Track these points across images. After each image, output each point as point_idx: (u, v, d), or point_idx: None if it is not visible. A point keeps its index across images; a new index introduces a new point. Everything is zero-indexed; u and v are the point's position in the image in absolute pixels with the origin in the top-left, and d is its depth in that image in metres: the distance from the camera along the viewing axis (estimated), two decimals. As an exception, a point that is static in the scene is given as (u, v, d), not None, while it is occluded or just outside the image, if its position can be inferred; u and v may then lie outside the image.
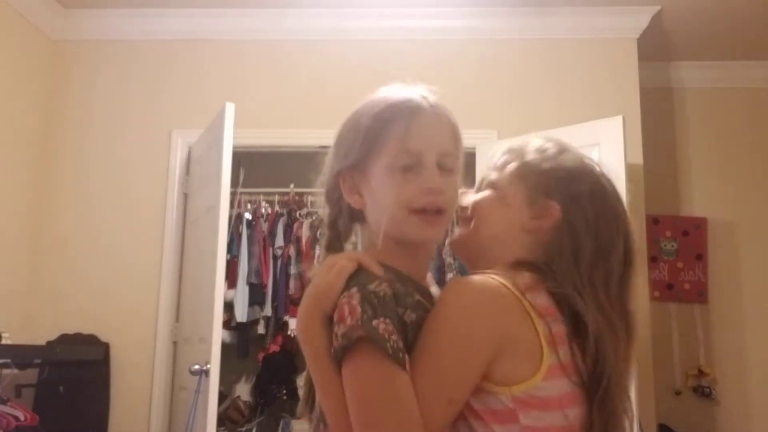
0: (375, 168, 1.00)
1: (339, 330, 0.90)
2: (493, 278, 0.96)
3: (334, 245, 1.06)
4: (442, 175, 1.00)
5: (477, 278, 0.96)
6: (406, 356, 0.90)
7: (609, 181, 1.08)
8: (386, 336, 0.88)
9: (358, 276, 0.95)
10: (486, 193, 1.10)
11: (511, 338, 0.92)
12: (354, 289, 0.92)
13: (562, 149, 1.09)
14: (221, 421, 3.68)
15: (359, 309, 0.90)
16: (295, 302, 3.90)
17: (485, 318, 0.92)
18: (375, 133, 1.01)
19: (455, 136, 1.05)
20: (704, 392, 3.75)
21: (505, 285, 0.94)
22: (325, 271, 0.97)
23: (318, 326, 0.94)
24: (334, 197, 1.07)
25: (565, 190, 1.04)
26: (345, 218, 1.07)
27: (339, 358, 0.90)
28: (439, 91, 1.08)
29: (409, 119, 1.00)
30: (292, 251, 3.96)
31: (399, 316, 0.92)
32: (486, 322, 0.92)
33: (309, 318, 0.96)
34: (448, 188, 1.00)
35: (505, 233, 1.05)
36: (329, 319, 0.93)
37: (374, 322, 0.88)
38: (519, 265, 0.99)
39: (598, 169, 1.09)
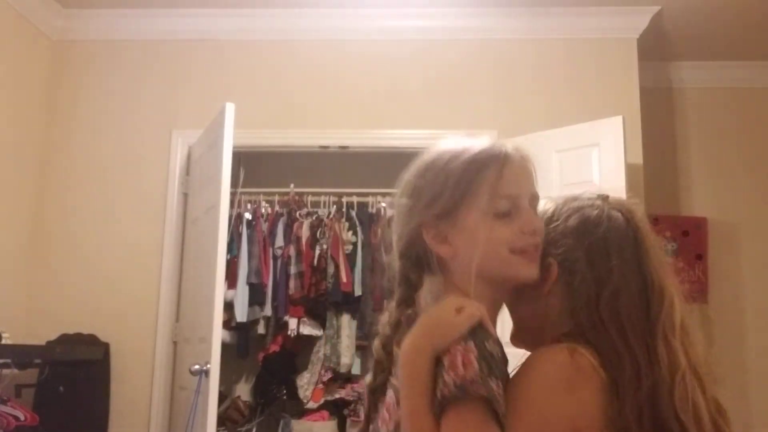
0: (468, 215, 1.02)
1: (449, 378, 0.91)
2: (577, 349, 0.96)
3: (408, 300, 1.05)
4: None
5: (570, 348, 0.97)
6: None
7: (610, 215, 1.08)
8: (500, 399, 0.90)
9: (476, 331, 0.94)
10: None
11: (588, 415, 0.93)
12: (472, 343, 0.92)
13: (563, 208, 1.10)
14: (221, 421, 3.68)
15: (476, 365, 0.90)
16: (295, 302, 3.91)
17: (573, 391, 0.93)
18: (468, 180, 1.02)
19: (536, 179, 1.09)
20: (704, 392, 3.75)
21: (584, 356, 0.95)
22: (450, 311, 0.96)
23: (426, 361, 0.94)
24: (411, 251, 1.06)
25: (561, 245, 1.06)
26: (415, 271, 1.06)
27: (443, 405, 0.91)
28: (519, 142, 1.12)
29: (503, 165, 1.03)
30: (292, 251, 3.96)
31: (507, 379, 0.94)
32: (573, 396, 0.93)
33: (419, 350, 0.95)
34: (542, 225, 1.05)
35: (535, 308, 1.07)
36: (436, 358, 0.94)
37: (490, 382, 0.90)
38: (566, 338, 1.00)
39: (592, 203, 1.09)
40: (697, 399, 0.97)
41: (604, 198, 1.11)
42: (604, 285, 1.01)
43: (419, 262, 1.05)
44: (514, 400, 0.93)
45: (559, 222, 1.08)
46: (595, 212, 1.07)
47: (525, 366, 0.98)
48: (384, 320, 1.05)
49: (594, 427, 0.92)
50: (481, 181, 1.02)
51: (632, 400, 0.93)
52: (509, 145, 1.07)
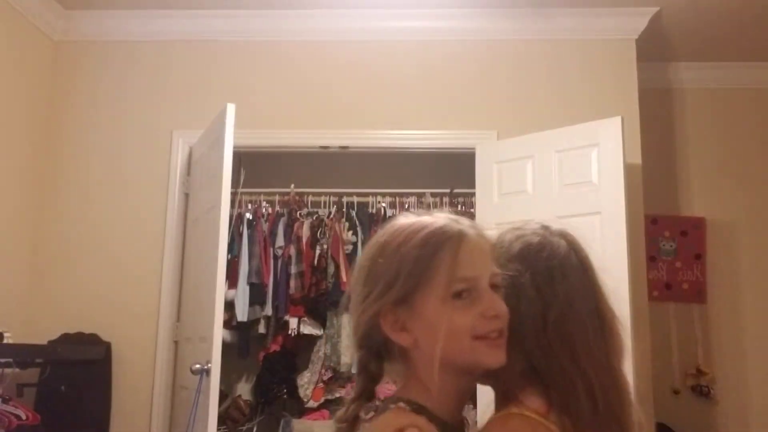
0: (426, 301, 0.95)
1: None
2: (524, 414, 0.95)
3: (367, 393, 1.00)
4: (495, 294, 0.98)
5: (520, 417, 0.95)
6: None
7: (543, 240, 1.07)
8: None
9: None
10: None
11: None
12: None
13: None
14: (222, 420, 3.69)
15: None
16: (295, 302, 3.92)
17: None
18: (422, 264, 0.95)
19: (492, 253, 1.02)
20: (703, 392, 3.76)
21: (534, 418, 0.94)
22: None
23: None
24: (370, 341, 1.00)
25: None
26: (374, 361, 1.00)
27: None
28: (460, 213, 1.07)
29: (458, 246, 0.96)
30: (292, 251, 3.97)
31: None
32: None
33: None
34: (504, 308, 0.98)
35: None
36: None
37: None
38: (520, 380, 0.99)
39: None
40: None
41: (546, 227, 1.09)
42: (550, 308, 0.99)
43: (379, 352, 0.99)
44: None
45: (503, 248, 1.05)
46: (537, 239, 1.06)
47: None
48: (339, 415, 0.97)
49: None
50: (437, 265, 0.95)
51: (591, 423, 0.94)
52: (465, 222, 1.01)
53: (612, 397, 0.98)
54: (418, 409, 0.95)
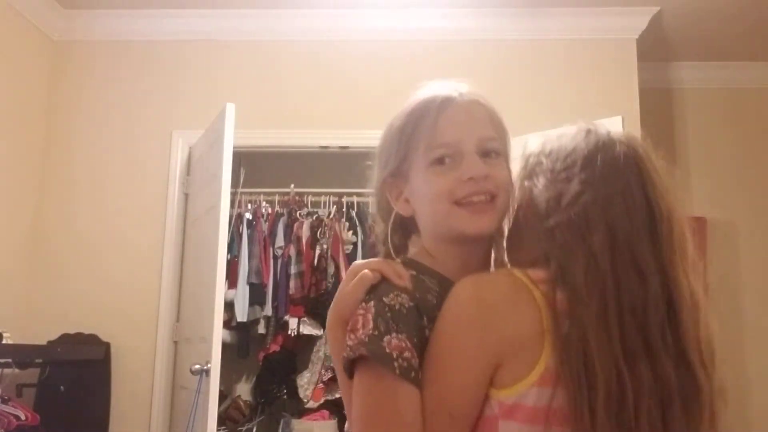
0: (417, 169, 0.97)
1: (349, 341, 0.89)
2: (498, 273, 0.92)
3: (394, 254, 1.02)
4: (487, 160, 0.96)
5: (476, 279, 0.89)
6: (419, 372, 0.87)
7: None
8: (395, 354, 0.85)
9: (379, 286, 0.92)
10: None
11: (513, 340, 0.84)
12: (371, 303, 0.90)
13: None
14: (222, 420, 3.68)
15: (371, 324, 0.87)
16: (295, 302, 3.91)
17: (480, 328, 0.85)
18: (409, 133, 0.98)
19: (493, 119, 1.01)
20: (703, 392, 3.75)
21: (512, 274, 0.88)
22: (348, 279, 0.95)
23: (338, 333, 0.94)
24: (385, 212, 1.03)
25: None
26: (399, 233, 1.03)
27: (347, 369, 0.90)
28: (473, 83, 1.05)
29: (439, 112, 0.97)
30: (292, 251, 3.97)
31: (420, 328, 0.89)
32: (481, 332, 0.85)
33: (330, 325, 0.97)
34: (495, 171, 0.95)
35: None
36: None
37: (385, 339, 0.86)
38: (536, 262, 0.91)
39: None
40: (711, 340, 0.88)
41: (606, 132, 1.00)
42: (565, 193, 0.89)
43: (403, 225, 1.03)
44: (431, 342, 0.88)
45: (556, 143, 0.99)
46: (580, 133, 0.99)
47: (447, 298, 0.90)
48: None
49: (527, 351, 0.83)
50: (420, 134, 0.96)
51: (595, 310, 0.83)
52: (459, 88, 1.01)
53: (634, 301, 0.84)
54: (416, 265, 0.96)
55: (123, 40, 3.66)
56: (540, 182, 0.92)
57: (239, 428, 3.98)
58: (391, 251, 1.01)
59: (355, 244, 3.97)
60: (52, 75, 3.63)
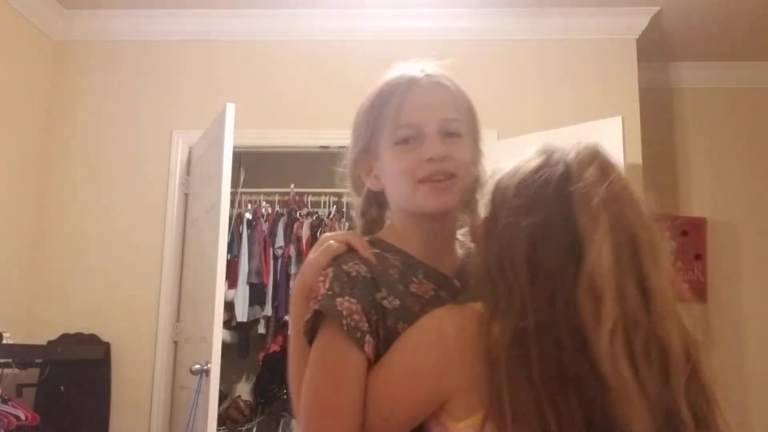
0: (384, 147, 1.02)
1: (310, 305, 0.95)
2: (465, 309, 0.90)
3: (368, 233, 1.08)
4: (448, 140, 0.99)
5: (445, 316, 0.90)
6: (368, 339, 0.91)
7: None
8: (344, 313, 0.91)
9: (342, 256, 0.98)
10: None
11: (470, 380, 0.84)
12: (331, 269, 0.96)
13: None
14: (222, 420, 3.69)
15: (327, 285, 0.94)
16: (295, 302, 3.91)
17: (436, 376, 0.87)
18: (376, 113, 1.03)
19: (457, 100, 1.06)
20: (703, 392, 3.75)
21: (477, 312, 0.88)
22: (315, 248, 1.01)
23: (300, 299, 1.00)
24: (359, 186, 1.09)
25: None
26: (375, 207, 1.08)
27: (308, 334, 0.95)
28: (445, 62, 1.11)
29: (404, 93, 1.02)
30: (292, 251, 3.97)
31: (374, 298, 0.94)
32: (437, 381, 0.86)
33: (295, 294, 1.02)
34: (455, 152, 0.99)
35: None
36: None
37: (338, 300, 0.92)
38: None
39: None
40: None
41: (554, 150, 0.97)
42: (519, 219, 0.88)
43: (378, 200, 1.08)
44: (397, 341, 0.91)
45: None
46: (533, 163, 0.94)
47: (419, 320, 0.92)
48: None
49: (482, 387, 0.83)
50: (386, 114, 1.02)
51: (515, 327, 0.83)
52: (426, 68, 1.07)
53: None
54: (380, 243, 1.01)
55: (123, 40, 3.66)
56: (492, 216, 0.94)
57: (239, 428, 3.99)
58: (366, 224, 1.08)
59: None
60: (52, 75, 3.63)
